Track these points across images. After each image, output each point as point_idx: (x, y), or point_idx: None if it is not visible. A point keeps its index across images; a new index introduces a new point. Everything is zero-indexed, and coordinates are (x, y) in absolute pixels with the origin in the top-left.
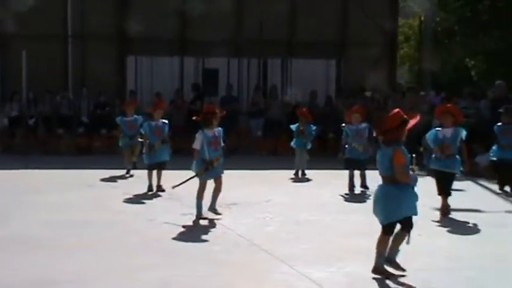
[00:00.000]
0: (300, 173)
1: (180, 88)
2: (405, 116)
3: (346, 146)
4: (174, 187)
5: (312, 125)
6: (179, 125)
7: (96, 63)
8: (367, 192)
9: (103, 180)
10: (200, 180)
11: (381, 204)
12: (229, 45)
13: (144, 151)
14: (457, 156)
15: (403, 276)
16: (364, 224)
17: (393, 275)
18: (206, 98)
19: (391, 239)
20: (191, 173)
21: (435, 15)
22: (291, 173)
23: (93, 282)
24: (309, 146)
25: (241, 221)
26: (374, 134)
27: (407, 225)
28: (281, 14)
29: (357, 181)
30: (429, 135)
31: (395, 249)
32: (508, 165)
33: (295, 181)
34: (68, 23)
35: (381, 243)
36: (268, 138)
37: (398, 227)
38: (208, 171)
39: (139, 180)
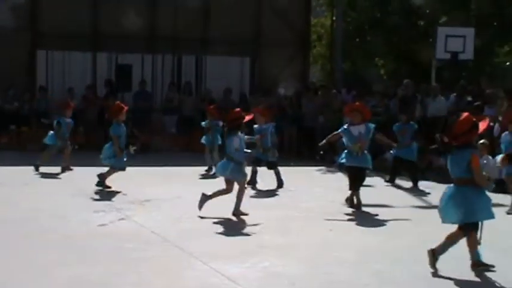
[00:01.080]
0: (213, 169)
1: (93, 84)
2: (475, 120)
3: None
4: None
5: (219, 122)
6: (92, 119)
7: (5, 56)
8: (278, 190)
9: (13, 177)
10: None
11: (460, 205)
12: (144, 40)
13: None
14: (366, 152)
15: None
16: (277, 220)
17: (490, 266)
18: (119, 94)
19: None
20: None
21: (346, 15)
22: (203, 169)
23: (5, 280)
24: (218, 143)
25: (155, 218)
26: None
27: (469, 229)
28: (196, 10)
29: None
30: (344, 133)
31: (446, 247)
32: (400, 162)
33: (206, 178)
34: None
35: (471, 241)
36: (181, 134)
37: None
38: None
39: (50, 178)
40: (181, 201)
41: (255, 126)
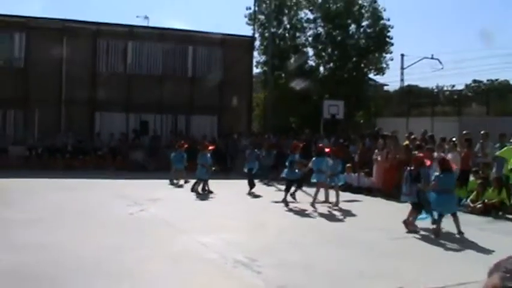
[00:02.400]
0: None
1: (126, 132)
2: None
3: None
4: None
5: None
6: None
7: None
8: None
9: (80, 183)
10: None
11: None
12: (156, 106)
13: None
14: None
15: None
16: (228, 212)
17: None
18: (140, 136)
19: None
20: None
21: (273, 90)
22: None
23: (71, 238)
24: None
25: (162, 210)
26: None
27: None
28: (185, 91)
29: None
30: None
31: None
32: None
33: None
34: None
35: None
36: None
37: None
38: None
39: (105, 185)
40: (178, 200)
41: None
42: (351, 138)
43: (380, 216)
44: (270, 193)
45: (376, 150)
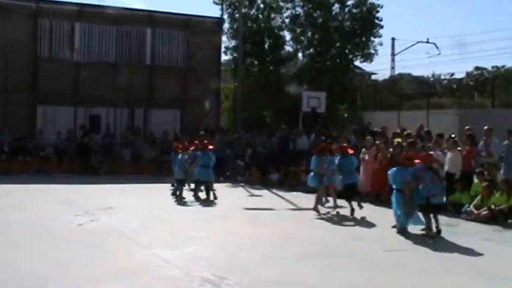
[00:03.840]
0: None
1: (73, 128)
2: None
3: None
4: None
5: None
6: (73, 152)
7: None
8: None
9: (19, 190)
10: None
11: None
12: (109, 98)
13: None
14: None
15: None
16: (197, 220)
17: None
18: (91, 134)
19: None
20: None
21: (244, 80)
22: (148, 186)
23: (11, 253)
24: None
25: (115, 219)
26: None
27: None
28: (143, 81)
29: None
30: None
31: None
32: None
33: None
34: None
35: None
36: (133, 162)
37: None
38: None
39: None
40: (135, 208)
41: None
42: (333, 135)
43: (369, 224)
44: (242, 198)
45: (364, 149)
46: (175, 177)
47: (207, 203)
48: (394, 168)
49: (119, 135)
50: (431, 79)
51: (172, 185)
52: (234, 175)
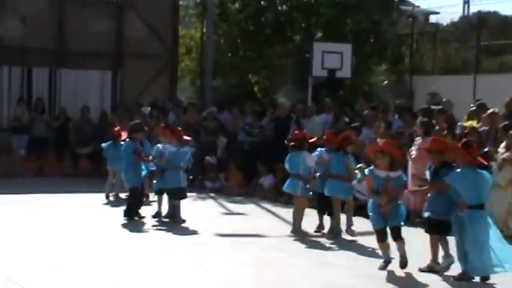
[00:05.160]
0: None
1: None
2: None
3: None
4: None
5: None
6: None
7: None
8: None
9: None
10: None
11: None
12: None
13: None
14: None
15: None
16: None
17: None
18: None
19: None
20: None
21: (217, 27)
22: (57, 196)
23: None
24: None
25: None
26: None
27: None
28: (48, 20)
29: None
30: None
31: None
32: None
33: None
34: None
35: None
36: (32, 157)
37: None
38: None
39: None
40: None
41: None
42: (366, 115)
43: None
44: (213, 218)
45: (418, 139)
46: (126, 185)
47: (170, 226)
48: (459, 170)
49: (6, 113)
50: None
51: (113, 197)
52: (199, 179)
